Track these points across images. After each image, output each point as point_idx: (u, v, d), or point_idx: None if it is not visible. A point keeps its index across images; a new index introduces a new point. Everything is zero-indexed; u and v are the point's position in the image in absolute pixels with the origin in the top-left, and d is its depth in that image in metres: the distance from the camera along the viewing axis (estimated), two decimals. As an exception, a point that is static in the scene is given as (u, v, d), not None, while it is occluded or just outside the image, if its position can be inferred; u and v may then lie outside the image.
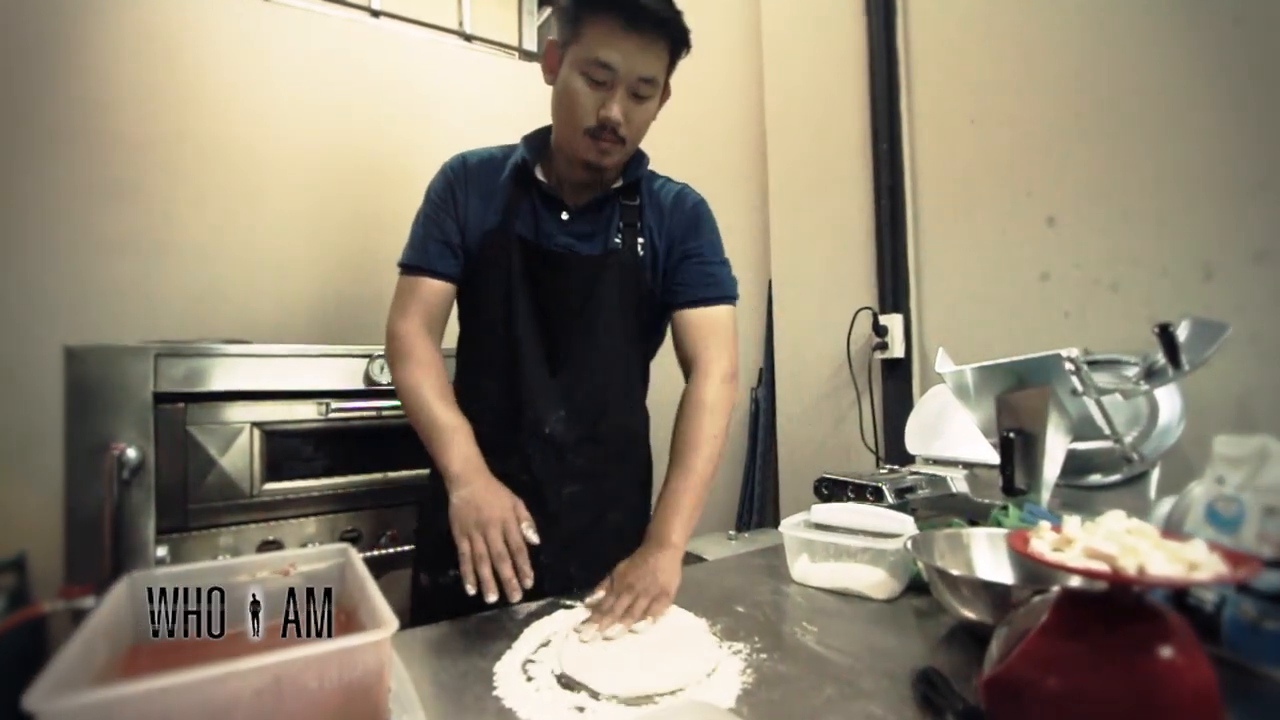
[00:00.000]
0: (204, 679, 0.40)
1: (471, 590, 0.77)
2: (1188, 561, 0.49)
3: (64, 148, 1.87)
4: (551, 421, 1.00)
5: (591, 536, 1.01)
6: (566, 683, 0.63)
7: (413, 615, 1.05)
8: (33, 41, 1.86)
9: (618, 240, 1.03)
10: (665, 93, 0.99)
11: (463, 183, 1.02)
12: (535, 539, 0.82)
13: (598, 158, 0.94)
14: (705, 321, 1.03)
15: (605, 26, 0.88)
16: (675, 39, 0.93)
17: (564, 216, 1.01)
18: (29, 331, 1.72)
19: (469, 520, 0.81)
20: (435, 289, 1.00)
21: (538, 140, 1.05)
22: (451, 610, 0.83)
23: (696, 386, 0.99)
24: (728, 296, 1.06)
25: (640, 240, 1.04)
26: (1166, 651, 0.48)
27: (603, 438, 1.04)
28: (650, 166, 1.09)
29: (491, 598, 0.77)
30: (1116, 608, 0.51)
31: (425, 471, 1.63)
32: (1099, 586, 0.53)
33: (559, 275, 1.00)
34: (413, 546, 1.58)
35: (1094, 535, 0.53)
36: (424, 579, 1.04)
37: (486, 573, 0.77)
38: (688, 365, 1.03)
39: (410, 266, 1.01)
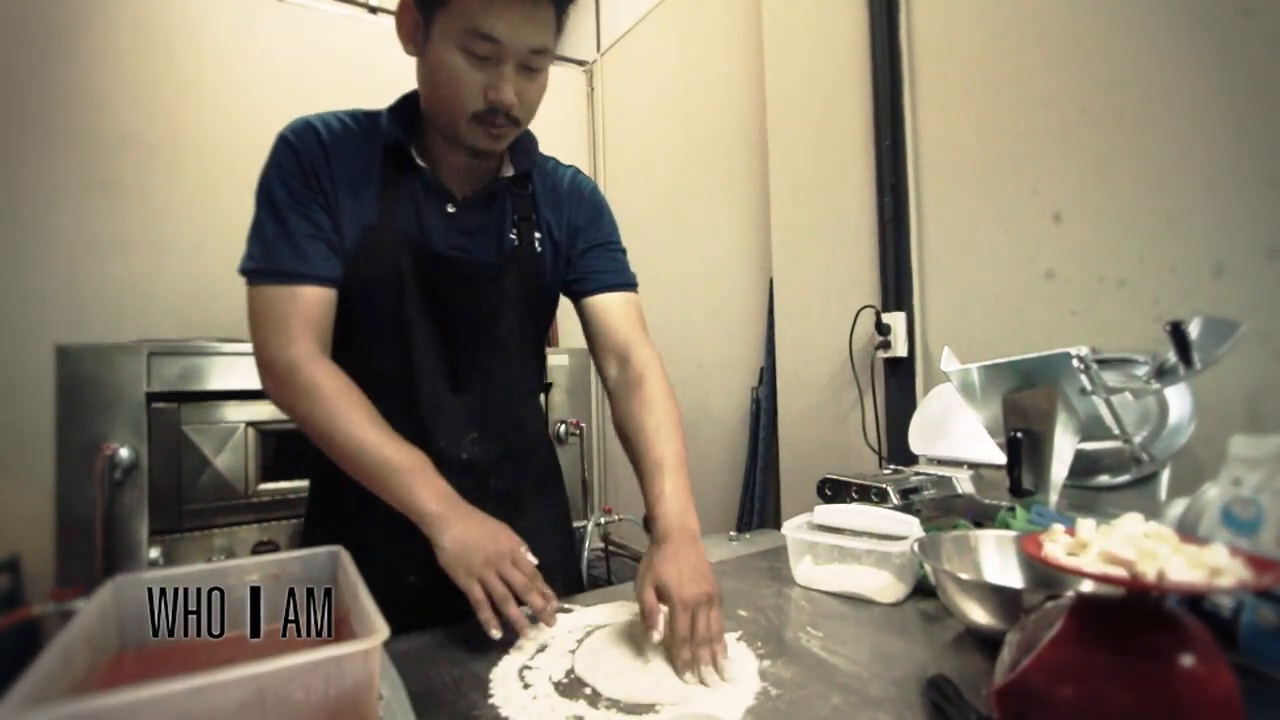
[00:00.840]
0: (183, 690, 0.38)
1: (498, 634, 0.69)
2: (1209, 567, 0.47)
3: (60, 146, 1.85)
4: (465, 445, 0.90)
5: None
6: (564, 690, 0.62)
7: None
8: (30, 41, 1.84)
9: (513, 237, 0.92)
10: (553, 54, 0.84)
11: (324, 163, 0.83)
12: (533, 560, 0.75)
13: (489, 143, 0.81)
14: (624, 309, 0.96)
15: None
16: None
17: (450, 209, 0.88)
18: (21, 329, 1.70)
19: (476, 562, 0.71)
20: (318, 299, 0.81)
21: (406, 113, 0.88)
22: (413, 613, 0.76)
23: (639, 375, 0.91)
24: (635, 285, 1.00)
25: (538, 235, 0.94)
26: (1187, 660, 0.46)
27: (519, 453, 0.97)
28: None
29: (532, 634, 0.71)
30: (1134, 614, 0.50)
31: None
32: (1115, 592, 0.52)
33: (455, 282, 0.88)
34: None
35: (1110, 539, 0.51)
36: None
37: (516, 611, 0.70)
38: (610, 352, 0.96)
39: (280, 273, 0.80)
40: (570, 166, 1.02)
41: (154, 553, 1.28)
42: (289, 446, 1.50)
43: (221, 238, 2.04)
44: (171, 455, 1.33)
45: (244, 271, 0.81)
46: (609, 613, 0.81)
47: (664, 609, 0.68)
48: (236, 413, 1.42)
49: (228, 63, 2.13)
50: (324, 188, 0.82)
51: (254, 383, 1.42)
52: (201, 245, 2.02)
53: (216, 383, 1.38)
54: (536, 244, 0.94)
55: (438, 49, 0.76)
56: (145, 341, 1.34)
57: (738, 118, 2.09)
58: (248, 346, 1.44)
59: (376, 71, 2.33)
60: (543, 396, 1.89)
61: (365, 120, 0.88)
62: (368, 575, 0.63)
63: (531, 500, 0.98)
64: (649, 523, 0.82)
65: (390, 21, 2.56)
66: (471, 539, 0.72)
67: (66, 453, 1.25)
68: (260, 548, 1.42)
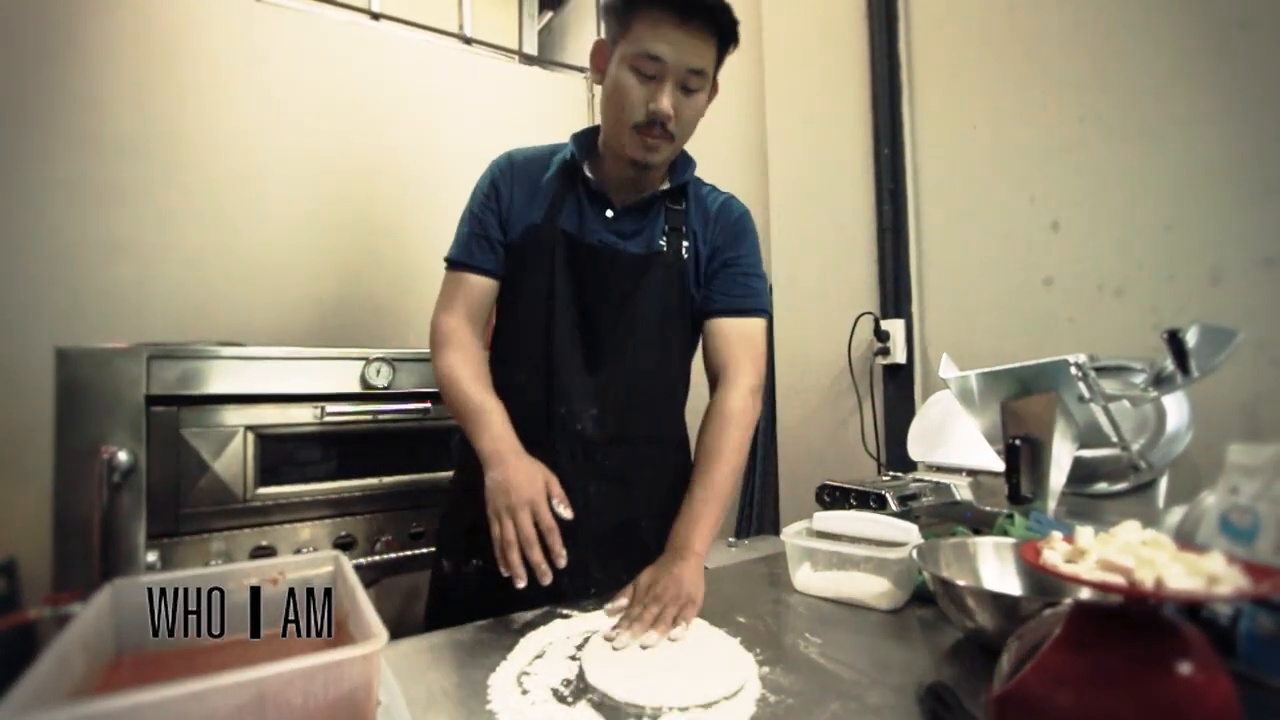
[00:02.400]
0: (182, 695, 0.38)
1: (505, 573, 0.78)
2: (1207, 575, 0.47)
3: (59, 149, 1.85)
4: (584, 418, 0.99)
5: (617, 539, 1.00)
6: (562, 696, 0.61)
7: (430, 601, 1.08)
8: (30, 43, 1.84)
9: (662, 242, 1.03)
10: (714, 89, 0.98)
11: (508, 179, 1.03)
12: (568, 514, 0.82)
13: (644, 155, 0.94)
14: (738, 332, 1.03)
15: (654, 19, 0.88)
16: (724, 32, 0.92)
17: (609, 214, 1.02)
18: (20, 332, 1.70)
19: (500, 504, 0.81)
20: (478, 284, 1.02)
21: (586, 139, 1.05)
22: (471, 598, 0.87)
23: (723, 397, 0.99)
24: (762, 310, 1.07)
25: (685, 244, 1.04)
26: (1185, 668, 0.47)
27: (635, 439, 1.03)
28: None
29: (521, 584, 0.77)
30: (1132, 622, 0.50)
31: (420, 477, 1.63)
32: (1114, 600, 0.52)
33: (601, 271, 1.00)
34: (410, 552, 1.58)
35: (1109, 547, 0.52)
36: (446, 565, 1.05)
37: (515, 559, 0.77)
38: (715, 374, 1.04)
39: (454, 262, 1.03)
40: (725, 193, 1.12)
41: (151, 556, 1.28)
42: (288, 451, 1.50)
43: (221, 242, 2.04)
44: (170, 459, 1.33)
45: (445, 260, 1.05)
46: (606, 619, 0.80)
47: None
48: (236, 417, 1.41)
49: (228, 68, 2.14)
50: (501, 198, 1.02)
51: (254, 386, 1.42)
52: (201, 249, 2.02)
53: (216, 386, 1.38)
54: (683, 251, 1.04)
55: (615, 72, 0.92)
56: (144, 345, 1.33)
57: (737, 125, 2.10)
58: (247, 350, 1.45)
59: (378, 77, 2.34)
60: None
61: (555, 148, 1.07)
62: (488, 562, 0.82)
63: (638, 488, 1.03)
64: None
65: (392, 27, 2.57)
66: (507, 480, 0.82)
67: (65, 456, 1.24)
68: (258, 552, 1.41)
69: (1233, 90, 1.09)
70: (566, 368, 1.00)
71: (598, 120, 1.04)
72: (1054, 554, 0.54)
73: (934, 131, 1.55)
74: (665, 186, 1.05)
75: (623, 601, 0.80)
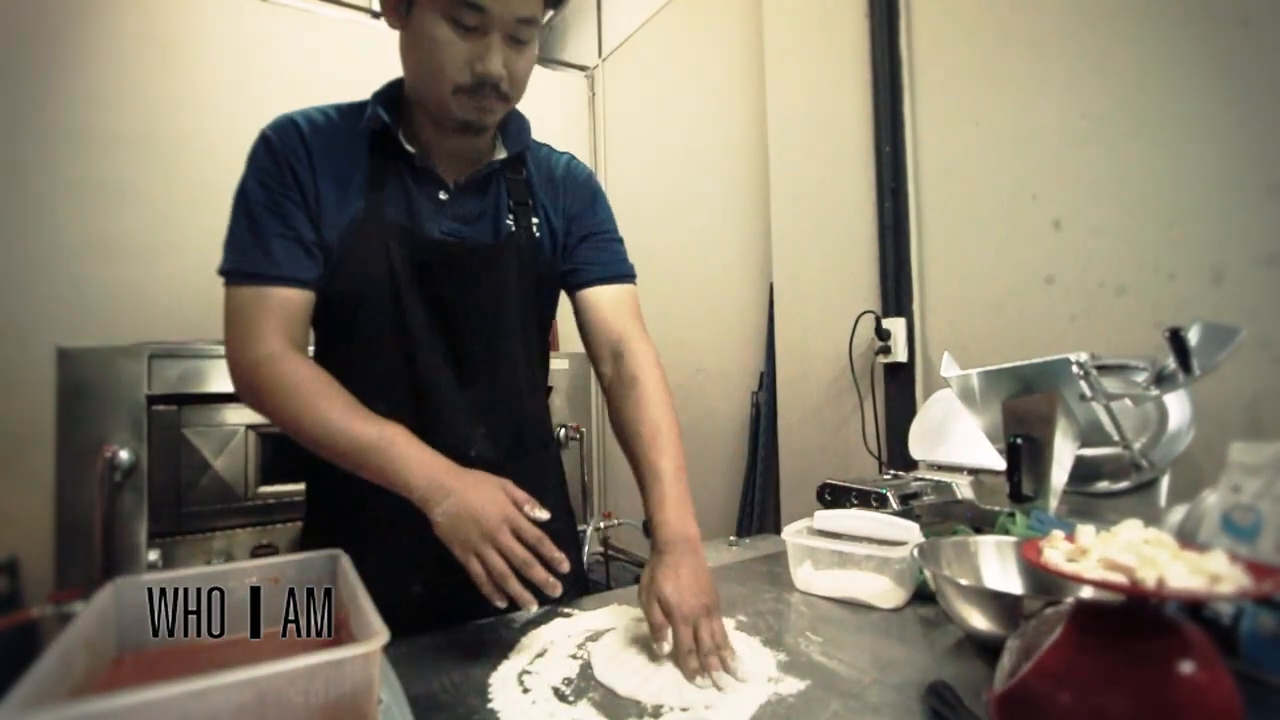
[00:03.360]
0: (182, 694, 0.38)
1: (503, 604, 0.67)
2: (1209, 574, 0.47)
3: (59, 146, 1.85)
4: (474, 441, 0.86)
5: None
6: (563, 695, 0.61)
7: None
8: (32, 43, 1.85)
9: (510, 222, 0.89)
10: (541, 31, 0.83)
11: (303, 159, 0.80)
12: (544, 515, 0.71)
13: (478, 116, 0.79)
14: (621, 301, 0.93)
15: None
16: None
17: (442, 196, 0.85)
18: (22, 332, 1.70)
19: (472, 536, 0.67)
20: (293, 300, 0.78)
21: (392, 97, 0.85)
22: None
23: (641, 370, 0.88)
24: (633, 276, 0.97)
25: (535, 220, 0.91)
26: (1187, 667, 0.46)
27: (527, 450, 0.93)
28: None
29: (534, 609, 0.67)
30: (1134, 621, 0.49)
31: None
32: (1115, 599, 0.52)
33: (451, 269, 0.84)
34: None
35: (1110, 545, 0.52)
36: None
37: (517, 587, 0.66)
38: (605, 346, 0.92)
39: (251, 274, 0.78)
40: (565, 153, 0.99)
41: (153, 555, 1.28)
42: (288, 449, 1.50)
43: (220, 241, 2.04)
44: (171, 458, 1.33)
45: (219, 273, 0.80)
46: (609, 617, 0.80)
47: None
48: (236, 416, 1.42)
49: (229, 65, 2.14)
50: (303, 184, 0.80)
51: (254, 385, 1.43)
52: (201, 247, 2.01)
53: (217, 385, 1.38)
54: (534, 229, 0.91)
55: (422, 19, 0.74)
56: (146, 344, 1.34)
57: (738, 123, 2.09)
58: (248, 349, 1.45)
59: (378, 76, 2.34)
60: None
61: (351, 111, 0.86)
62: (370, 586, 0.60)
63: (543, 496, 0.88)
64: (649, 530, 0.81)
65: (392, 26, 2.53)
66: (466, 509, 0.68)
67: (67, 455, 1.25)
68: (259, 551, 1.42)
69: (1235, 88, 1.09)
70: (439, 389, 0.85)
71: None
72: (1055, 553, 0.53)
73: (935, 129, 1.54)
74: (502, 155, 0.89)
75: (669, 638, 0.68)
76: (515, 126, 0.90)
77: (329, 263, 0.81)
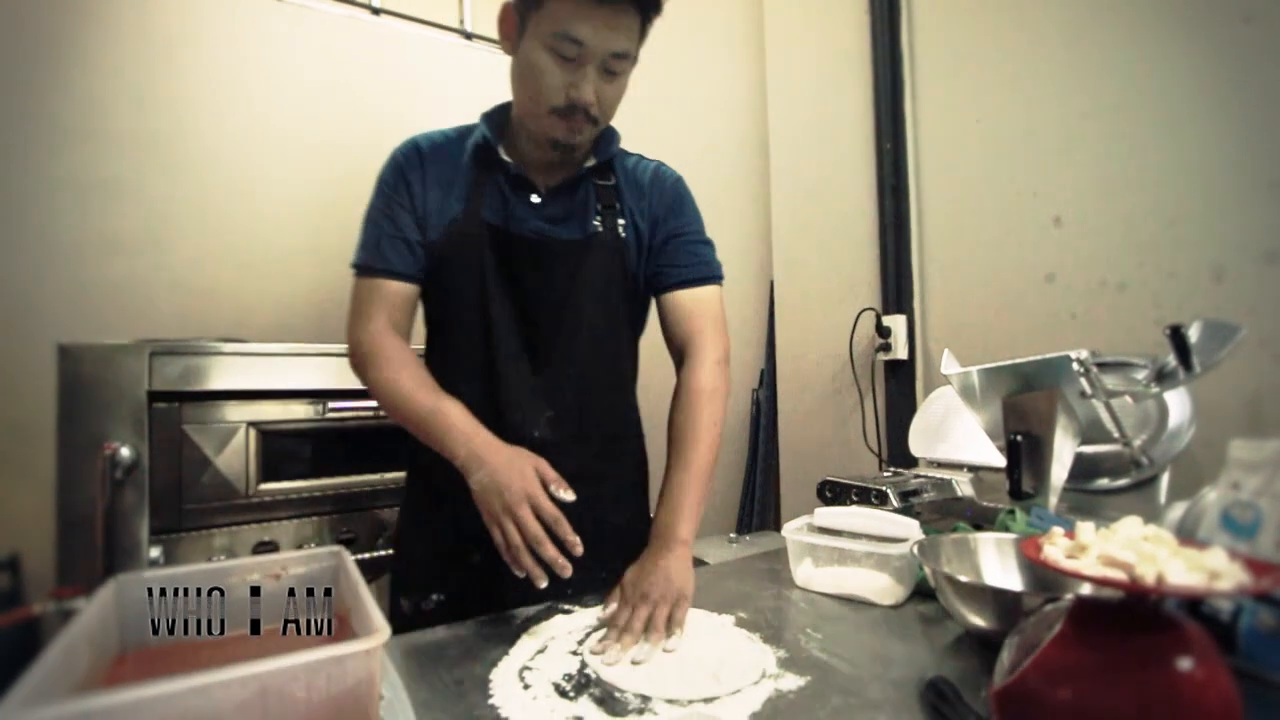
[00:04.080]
0: (185, 689, 0.38)
1: (520, 575, 0.72)
2: (1209, 570, 0.47)
3: (59, 145, 1.85)
4: (538, 424, 0.93)
5: (590, 541, 0.95)
6: (563, 691, 0.62)
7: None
8: (30, 39, 1.84)
9: (596, 223, 0.96)
10: (635, 61, 0.90)
11: (418, 170, 0.93)
12: (569, 496, 0.75)
13: (568, 136, 0.88)
14: (697, 304, 0.99)
15: None
16: (646, 8, 0.84)
17: (535, 200, 0.94)
18: (23, 329, 1.70)
19: (496, 506, 0.73)
20: (396, 290, 0.92)
21: (498, 117, 0.97)
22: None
23: (692, 373, 0.94)
24: (717, 277, 1.01)
25: (621, 221, 0.98)
26: (1186, 663, 0.47)
27: (594, 436, 0.98)
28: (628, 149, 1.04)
29: (542, 584, 0.72)
30: (1133, 617, 0.50)
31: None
32: (1114, 595, 0.52)
33: (537, 264, 0.92)
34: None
35: (1110, 542, 0.52)
36: (405, 605, 0.96)
37: (528, 560, 0.71)
38: (679, 350, 0.99)
39: (365, 268, 0.93)
40: (654, 161, 1.06)
41: (154, 552, 1.28)
42: (290, 447, 1.50)
43: (221, 237, 2.04)
44: (173, 455, 1.33)
45: (351, 267, 0.96)
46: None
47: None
48: (238, 413, 1.42)
49: (228, 63, 2.13)
50: (414, 193, 0.93)
51: (256, 382, 1.42)
52: (201, 245, 2.02)
53: (218, 382, 1.38)
54: (620, 230, 0.97)
55: (529, 48, 0.84)
56: (147, 341, 1.34)
57: (739, 121, 2.09)
58: (249, 346, 1.45)
59: (378, 73, 2.34)
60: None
61: (465, 130, 0.98)
62: (438, 549, 0.86)
63: (603, 486, 0.97)
64: None
65: (392, 23, 2.56)
66: (495, 481, 0.74)
67: (68, 451, 1.25)
68: (261, 548, 1.42)
69: (1236, 85, 1.09)
70: (512, 372, 0.93)
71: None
72: (1055, 549, 0.54)
73: (936, 127, 1.54)
74: (591, 163, 0.96)
75: (612, 607, 0.76)
76: (605, 137, 0.98)
77: (431, 259, 0.93)
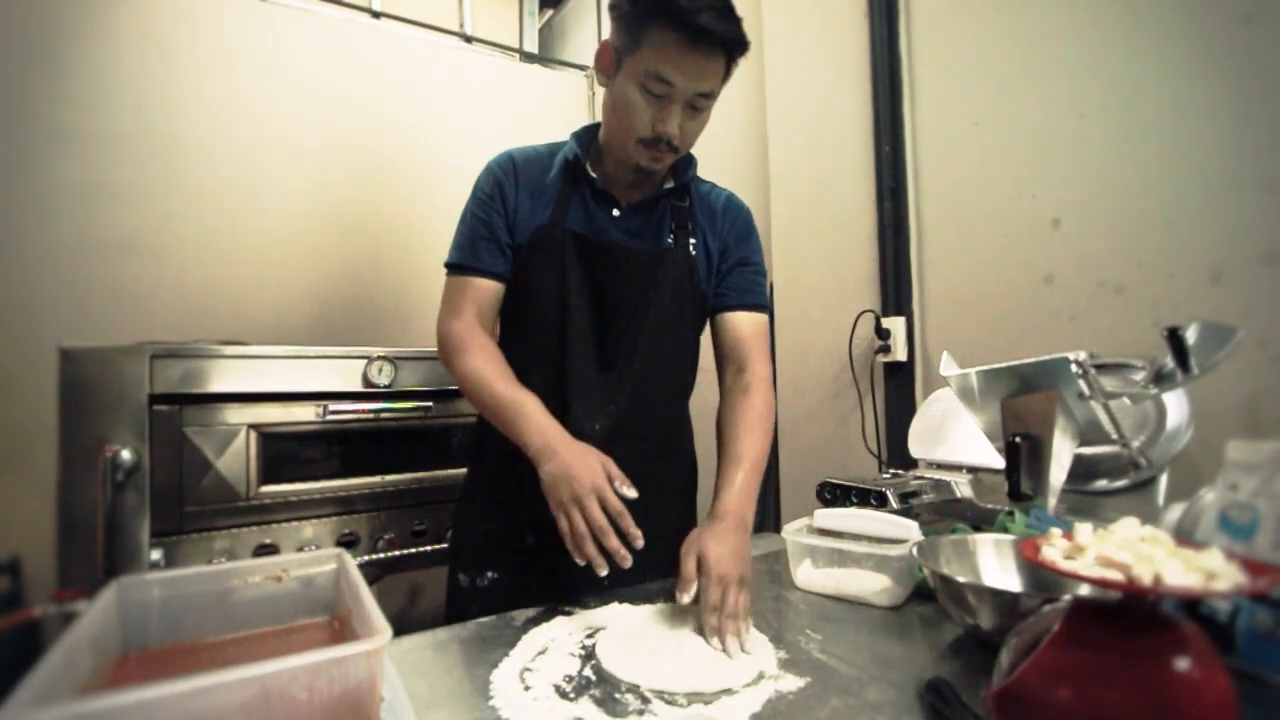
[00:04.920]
0: (189, 690, 0.38)
1: (582, 562, 0.77)
2: (1205, 571, 0.47)
3: (60, 148, 1.86)
4: (599, 417, 0.99)
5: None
6: (563, 692, 0.62)
7: (448, 616, 1.06)
8: (30, 43, 1.85)
9: (670, 240, 1.04)
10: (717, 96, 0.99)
11: (511, 179, 1.02)
12: (632, 493, 0.80)
13: (650, 163, 0.96)
14: (752, 326, 1.07)
15: (664, 41, 0.86)
16: (732, 52, 0.91)
17: (615, 213, 1.03)
18: (23, 332, 1.70)
19: (564, 496, 0.78)
20: (485, 288, 1.00)
21: (587, 137, 1.05)
22: (489, 612, 0.84)
23: (746, 382, 1.02)
24: (768, 306, 1.12)
25: (692, 241, 1.06)
26: (1183, 664, 0.47)
27: (650, 436, 1.04)
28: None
29: (603, 572, 0.76)
30: (1131, 618, 0.50)
31: (422, 474, 1.63)
32: (1112, 596, 0.52)
33: (614, 269, 1.01)
34: (413, 550, 1.58)
35: (1107, 543, 0.52)
36: (463, 579, 1.04)
37: (592, 550, 0.75)
38: (729, 363, 1.06)
39: (459, 266, 1.01)
40: (725, 190, 1.14)
41: (155, 554, 1.28)
42: (290, 449, 1.50)
43: (221, 241, 2.05)
44: (173, 457, 1.33)
45: (445, 265, 1.03)
46: (611, 616, 0.81)
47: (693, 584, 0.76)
48: (238, 415, 1.42)
49: (228, 66, 2.14)
50: (506, 199, 1.01)
51: (256, 385, 1.43)
52: (201, 248, 2.02)
53: (219, 385, 1.38)
54: (691, 248, 1.06)
55: (623, 83, 0.92)
56: (148, 344, 1.34)
57: (738, 123, 2.10)
58: (249, 349, 1.45)
59: (378, 76, 2.34)
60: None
61: (554, 147, 1.07)
62: (495, 532, 0.98)
63: (652, 484, 0.96)
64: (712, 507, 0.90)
65: (392, 26, 2.56)
66: (563, 471, 0.79)
67: (69, 454, 1.25)
68: (261, 550, 1.42)
69: (1234, 86, 1.09)
70: (581, 367, 0.99)
71: (598, 117, 1.04)
72: (1053, 550, 0.54)
73: (935, 129, 1.55)
74: (669, 185, 1.05)
75: (693, 586, 0.76)
76: (683, 163, 1.06)
77: (518, 259, 1.01)
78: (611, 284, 1.01)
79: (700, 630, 0.74)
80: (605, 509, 0.77)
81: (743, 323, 1.07)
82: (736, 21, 0.89)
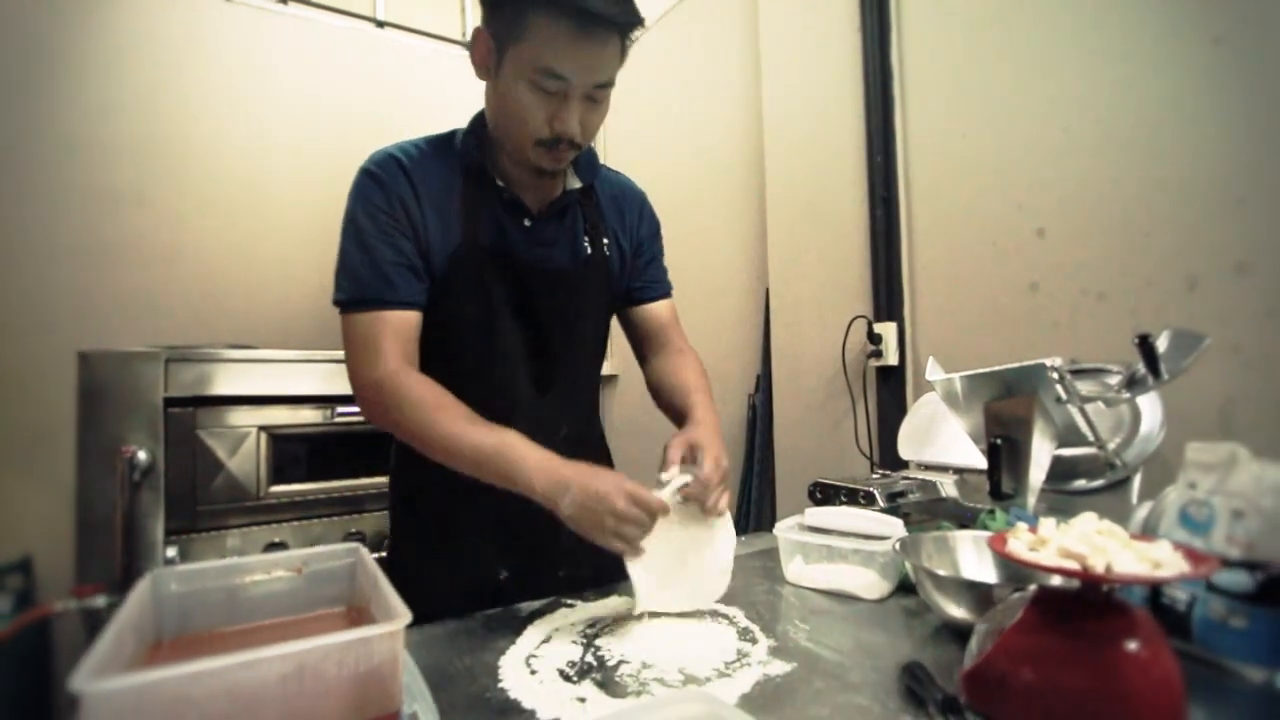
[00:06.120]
0: (236, 664, 0.43)
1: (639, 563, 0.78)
2: (1153, 560, 0.52)
3: (74, 156, 1.90)
4: (557, 443, 0.88)
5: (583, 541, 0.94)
6: (567, 676, 0.66)
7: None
8: (43, 53, 1.89)
9: (587, 247, 1.00)
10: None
11: (410, 191, 0.89)
12: (657, 495, 0.79)
13: (551, 164, 0.88)
14: (670, 312, 1.12)
15: (552, 30, 0.77)
16: (626, 31, 0.84)
17: (527, 223, 0.95)
18: (40, 335, 1.75)
19: (603, 518, 0.73)
20: (406, 320, 0.87)
21: (480, 134, 0.94)
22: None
23: (678, 350, 1.06)
24: (671, 288, 1.15)
25: (605, 242, 1.03)
26: (1132, 645, 0.51)
27: (593, 449, 1.07)
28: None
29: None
30: (1087, 604, 0.54)
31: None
32: (1072, 584, 0.57)
33: (542, 290, 0.95)
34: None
35: (1067, 536, 0.56)
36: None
37: (639, 535, 0.76)
38: (652, 347, 1.09)
39: (367, 301, 0.86)
40: (616, 172, 1.11)
41: (170, 552, 1.33)
42: (299, 450, 1.55)
43: (230, 246, 2.09)
44: (187, 458, 1.38)
45: (336, 303, 0.89)
46: (610, 607, 0.85)
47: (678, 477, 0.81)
48: (249, 417, 1.46)
49: (237, 75, 2.18)
50: (411, 215, 0.88)
51: (266, 389, 1.47)
52: (209, 252, 2.07)
53: (230, 388, 1.43)
54: (606, 249, 1.03)
55: (509, 80, 0.82)
56: (162, 348, 1.38)
57: (736, 135, 2.14)
58: (259, 353, 1.50)
59: (382, 83, 2.39)
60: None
61: (441, 144, 0.95)
62: (463, 572, 0.90)
63: None
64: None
65: (395, 35, 2.61)
66: (589, 496, 0.74)
67: (87, 455, 1.29)
68: (271, 548, 1.46)
69: (1207, 103, 1.14)
70: (521, 396, 0.95)
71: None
72: (1018, 543, 0.58)
73: (925, 141, 1.59)
74: (575, 185, 0.98)
75: (706, 464, 0.81)
76: (585, 159, 0.99)
77: (435, 286, 0.90)
78: (542, 305, 0.95)
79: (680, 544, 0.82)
80: (643, 508, 0.74)
81: (662, 310, 1.10)
82: None
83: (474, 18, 2.79)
